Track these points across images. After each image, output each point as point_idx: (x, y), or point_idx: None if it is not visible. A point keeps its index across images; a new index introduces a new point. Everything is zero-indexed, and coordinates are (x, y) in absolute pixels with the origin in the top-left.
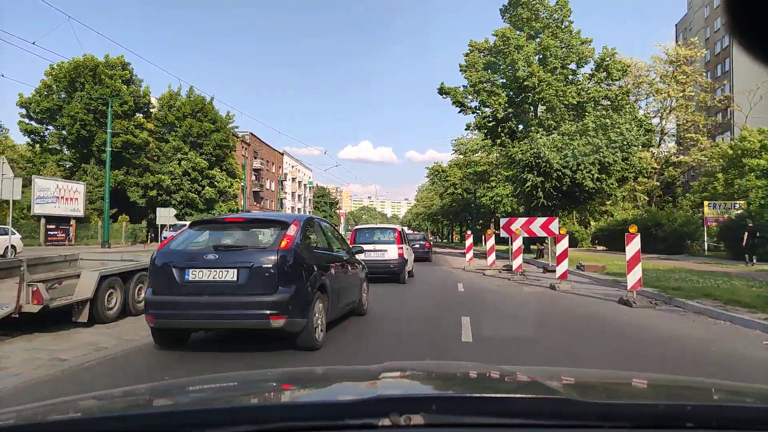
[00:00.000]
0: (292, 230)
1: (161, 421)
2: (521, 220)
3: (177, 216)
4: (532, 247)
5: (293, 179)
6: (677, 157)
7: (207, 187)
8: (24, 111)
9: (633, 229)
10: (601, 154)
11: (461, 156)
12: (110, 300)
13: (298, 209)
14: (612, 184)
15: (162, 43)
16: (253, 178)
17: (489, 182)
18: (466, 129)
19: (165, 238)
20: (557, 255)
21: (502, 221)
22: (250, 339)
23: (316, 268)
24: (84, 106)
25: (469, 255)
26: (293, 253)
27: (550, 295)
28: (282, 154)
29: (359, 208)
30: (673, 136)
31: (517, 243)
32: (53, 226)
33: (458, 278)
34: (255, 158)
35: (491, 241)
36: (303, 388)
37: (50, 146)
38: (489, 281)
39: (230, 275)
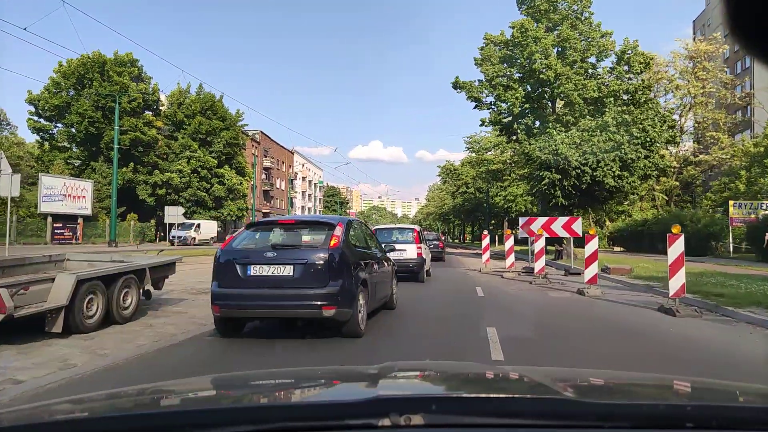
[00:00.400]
0: (338, 231)
1: (161, 421)
2: (542, 220)
3: (185, 214)
4: (548, 247)
5: (303, 178)
6: (696, 156)
7: (216, 185)
8: (33, 108)
9: (676, 229)
10: (623, 150)
11: (474, 154)
12: (90, 307)
13: (308, 209)
14: (634, 182)
15: (175, 44)
16: (264, 176)
17: (502, 181)
18: (481, 125)
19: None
20: (586, 257)
21: (521, 221)
22: (288, 330)
23: (358, 265)
24: (92, 104)
25: (486, 256)
26: (340, 251)
27: (580, 301)
28: (292, 153)
29: (369, 207)
30: (691, 134)
31: (540, 244)
32: (60, 225)
33: (476, 281)
34: (265, 157)
35: (510, 242)
36: (303, 388)
37: (59, 144)
38: (509, 285)
39: (287, 270)
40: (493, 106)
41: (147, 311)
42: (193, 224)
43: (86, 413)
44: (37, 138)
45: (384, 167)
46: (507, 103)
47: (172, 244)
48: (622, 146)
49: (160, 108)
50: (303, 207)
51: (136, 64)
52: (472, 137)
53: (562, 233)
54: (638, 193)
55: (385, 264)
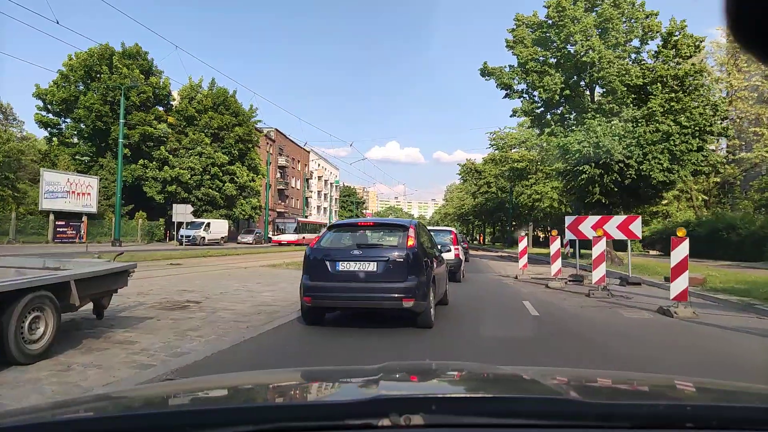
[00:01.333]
0: (411, 232)
1: (161, 422)
2: (592, 220)
3: (195, 213)
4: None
5: (319, 178)
6: (734, 154)
7: (228, 183)
8: (41, 103)
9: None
10: (672, 141)
11: (498, 151)
12: None
13: (324, 208)
14: (685, 176)
15: (193, 44)
16: (278, 175)
17: (527, 179)
18: (512, 115)
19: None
20: (673, 265)
21: (567, 219)
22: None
23: (427, 263)
24: (100, 97)
25: (524, 260)
26: (415, 250)
27: (674, 327)
28: (308, 152)
29: (386, 208)
30: (731, 129)
31: (599, 247)
32: (63, 223)
33: (517, 291)
34: (280, 155)
35: (556, 245)
36: (302, 388)
37: (67, 139)
38: (562, 298)
39: (371, 267)
40: (525, 95)
41: (81, 339)
42: (203, 223)
43: (86, 413)
44: (46, 133)
45: (401, 168)
46: (544, 90)
47: (181, 243)
48: (672, 137)
49: (171, 103)
50: (319, 207)
51: (145, 57)
52: (496, 133)
53: (617, 235)
54: (690, 186)
55: (442, 263)
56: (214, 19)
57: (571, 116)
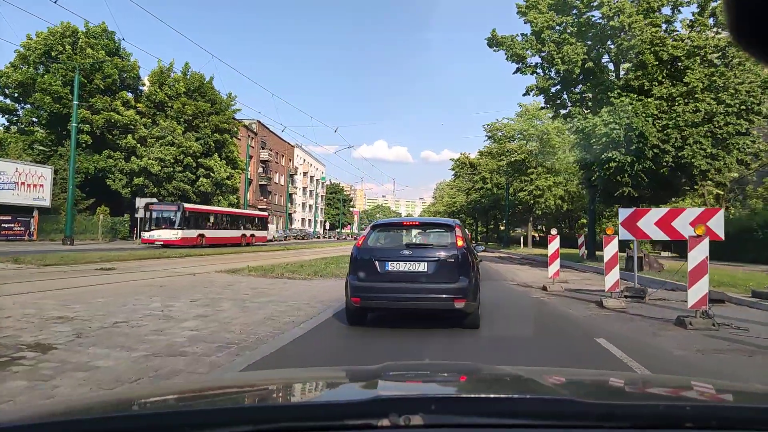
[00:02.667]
0: (459, 232)
1: (161, 422)
2: (657, 213)
3: None
4: (581, 250)
5: (305, 174)
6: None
7: (202, 178)
8: None
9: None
10: (716, 123)
11: (495, 144)
12: None
13: (310, 206)
14: (731, 163)
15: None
16: (260, 170)
17: (527, 174)
18: (525, 94)
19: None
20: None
21: (621, 214)
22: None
23: (474, 263)
24: (59, 79)
25: (555, 267)
26: (465, 250)
27: None
28: (293, 147)
29: (374, 206)
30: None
31: (701, 251)
32: (9, 218)
33: (567, 315)
34: (263, 149)
35: (613, 247)
36: (302, 389)
37: (27, 127)
38: (650, 332)
39: (422, 267)
40: (539, 69)
41: None
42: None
43: (86, 414)
44: (4, 121)
45: (389, 167)
46: (562, 62)
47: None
48: (716, 117)
49: (142, 88)
50: (304, 204)
51: (112, 37)
52: (492, 124)
53: (689, 233)
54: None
55: (480, 261)
56: (207, 18)
57: (593, 95)
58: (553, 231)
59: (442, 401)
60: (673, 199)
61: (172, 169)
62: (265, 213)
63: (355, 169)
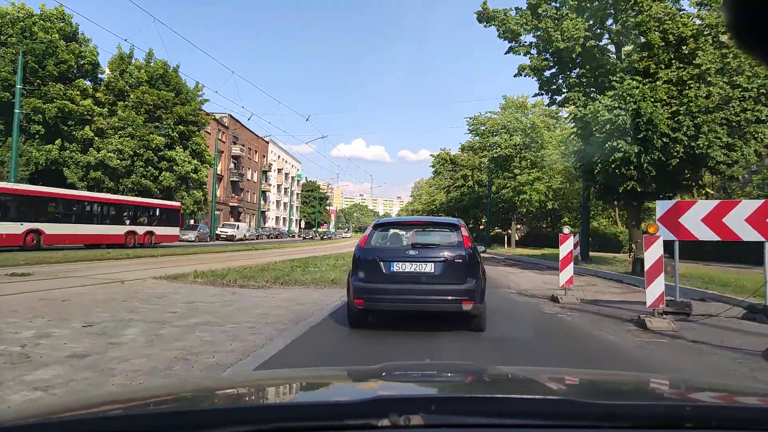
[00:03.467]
0: (464, 231)
1: (161, 422)
2: (704, 206)
3: None
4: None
5: (279, 170)
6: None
7: (165, 172)
8: None
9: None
10: (732, 108)
11: (477, 138)
12: None
13: (284, 203)
14: (749, 155)
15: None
16: (232, 165)
17: (511, 170)
18: (516, 74)
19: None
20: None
21: (660, 207)
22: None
23: (481, 263)
24: (8, 65)
25: (568, 273)
26: (471, 250)
27: None
28: (267, 142)
29: (351, 205)
30: None
31: (656, 251)
32: None
33: (607, 343)
34: (234, 144)
35: (656, 251)
36: (302, 389)
37: None
38: (746, 371)
39: (428, 268)
40: (533, 50)
41: None
42: None
43: (86, 414)
44: None
45: (366, 166)
46: (562, 38)
47: None
48: (732, 102)
49: (101, 76)
50: (278, 201)
51: (69, 21)
52: (475, 118)
53: (750, 234)
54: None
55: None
56: (183, 13)
57: (593, 79)
58: (566, 229)
59: (442, 401)
60: (678, 196)
61: (130, 162)
62: (177, 204)
63: (333, 165)
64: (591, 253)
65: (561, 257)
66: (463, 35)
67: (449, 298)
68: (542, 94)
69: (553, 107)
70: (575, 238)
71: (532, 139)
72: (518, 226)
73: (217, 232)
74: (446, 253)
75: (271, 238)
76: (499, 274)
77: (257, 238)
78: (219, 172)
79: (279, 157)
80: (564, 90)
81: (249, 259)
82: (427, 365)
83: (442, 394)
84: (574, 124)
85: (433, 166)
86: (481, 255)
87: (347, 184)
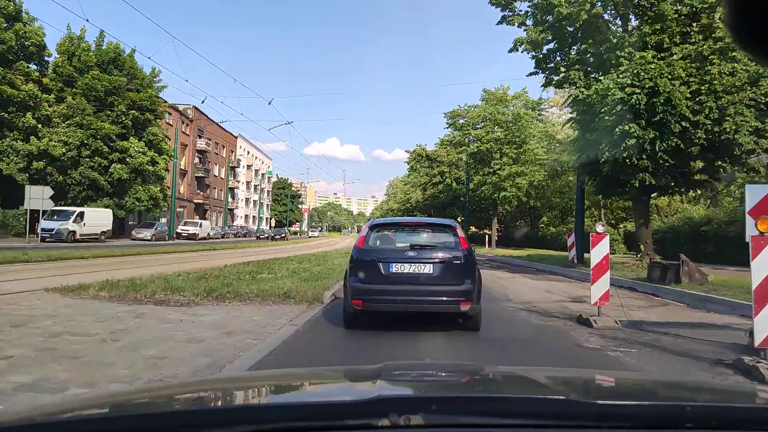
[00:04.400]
0: (461, 232)
1: (161, 422)
2: None
3: (74, 200)
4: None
5: (249, 166)
6: None
7: (116, 164)
8: None
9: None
10: (761, 88)
11: (457, 132)
12: None
13: (254, 201)
14: None
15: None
16: (197, 160)
17: (491, 166)
18: (511, 50)
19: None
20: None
21: (753, 194)
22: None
23: (476, 265)
24: None
25: (603, 287)
26: (468, 252)
27: None
28: (236, 137)
29: (324, 204)
30: None
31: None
32: None
33: None
34: (200, 137)
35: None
36: (302, 388)
37: None
38: None
39: (427, 269)
40: (529, 19)
41: None
42: (74, 213)
43: (86, 414)
44: None
45: (340, 165)
46: (567, 3)
47: (43, 240)
48: (761, 81)
49: (48, 59)
50: (248, 199)
51: None
52: (454, 111)
53: None
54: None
55: None
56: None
57: (596, 55)
58: (600, 227)
59: (442, 401)
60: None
61: (77, 153)
62: None
63: (307, 162)
64: (587, 255)
65: (593, 264)
66: (443, 31)
67: (448, 299)
68: (537, 73)
69: (544, 94)
70: (571, 238)
71: (514, 132)
72: (497, 226)
73: (177, 230)
74: (444, 255)
75: (239, 237)
76: (489, 279)
77: (222, 237)
78: (183, 166)
79: (249, 153)
80: (563, 69)
81: (199, 261)
82: (427, 365)
83: (442, 394)
84: (572, 109)
85: (408, 163)
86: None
87: (318, 181)
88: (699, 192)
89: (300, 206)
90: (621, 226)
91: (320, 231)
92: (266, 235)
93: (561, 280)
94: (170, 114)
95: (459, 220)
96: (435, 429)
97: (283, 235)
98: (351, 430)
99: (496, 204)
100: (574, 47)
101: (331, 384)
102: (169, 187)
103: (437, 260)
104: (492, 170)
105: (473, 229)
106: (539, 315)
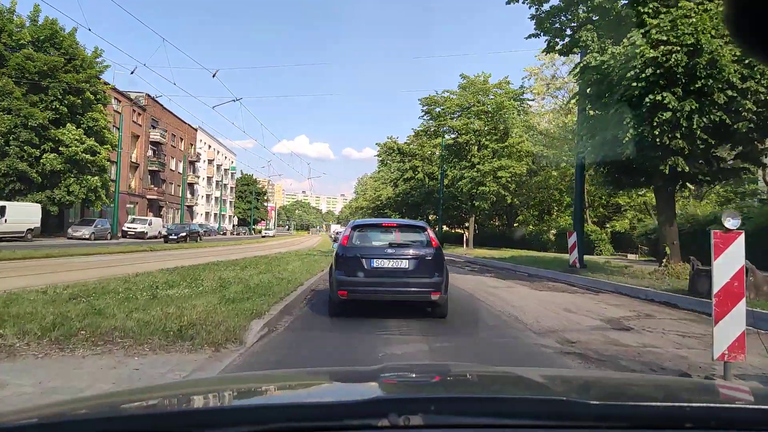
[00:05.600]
0: (431, 233)
1: (161, 422)
2: None
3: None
4: (571, 255)
5: (210, 161)
6: None
7: (49, 154)
8: None
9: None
10: None
11: (432, 122)
12: None
13: (216, 198)
14: None
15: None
16: (150, 153)
17: (468, 159)
18: (508, 2)
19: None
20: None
21: None
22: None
23: (445, 260)
24: None
25: (736, 326)
26: (439, 249)
27: None
28: (195, 129)
29: (293, 202)
30: None
31: None
32: None
33: None
34: (153, 128)
35: None
36: (302, 389)
37: None
38: None
39: (404, 264)
40: None
41: None
42: None
43: (86, 414)
44: None
45: (310, 162)
46: None
47: None
48: None
49: None
50: (209, 196)
51: None
52: (430, 98)
53: None
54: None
55: None
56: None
57: (613, 13)
58: (731, 220)
59: (442, 401)
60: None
61: (4, 142)
62: None
63: (274, 159)
64: (588, 257)
65: (718, 285)
66: (414, 24)
67: (421, 289)
68: (539, 35)
69: (526, 82)
70: (572, 238)
71: (496, 123)
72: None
73: (123, 228)
74: (418, 251)
75: (195, 235)
76: (480, 289)
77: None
78: (134, 159)
79: (210, 147)
80: (569, 30)
81: (118, 267)
82: (427, 366)
83: (442, 394)
84: (580, 80)
85: (379, 156)
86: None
87: (281, 174)
88: (728, 182)
89: (266, 204)
90: (608, 225)
91: (288, 229)
92: (175, 237)
93: (566, 289)
94: (119, 101)
95: (431, 219)
96: (434, 429)
97: (184, 234)
98: (351, 430)
99: (474, 201)
100: (581, 6)
101: (330, 384)
102: (113, 180)
103: (412, 256)
104: (470, 164)
105: (445, 227)
106: (596, 363)
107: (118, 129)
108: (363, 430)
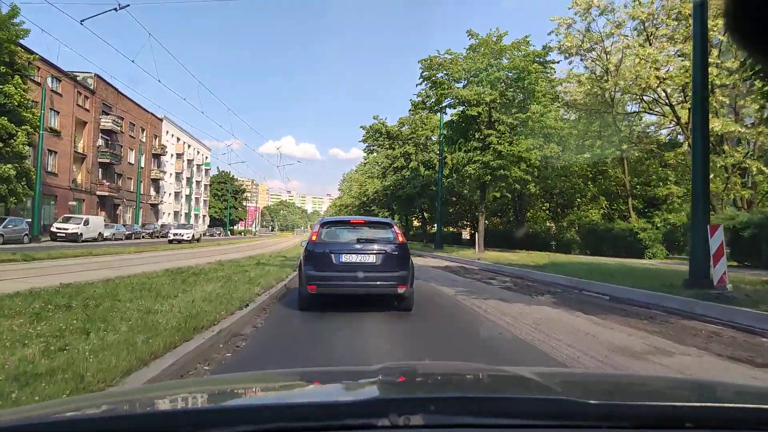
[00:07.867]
0: (397, 229)
1: (161, 422)
2: None
3: None
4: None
5: (179, 155)
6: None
7: None
8: None
9: None
10: None
11: (433, 90)
12: None
13: (186, 195)
14: None
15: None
16: (101, 143)
17: (478, 140)
18: None
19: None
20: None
21: None
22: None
23: (410, 255)
24: None
25: None
26: (405, 244)
27: None
28: (161, 119)
29: (278, 202)
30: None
31: None
32: None
33: None
34: (105, 114)
35: None
36: (302, 388)
37: None
38: None
39: (371, 258)
40: None
41: None
42: None
43: (86, 414)
44: None
45: (296, 164)
46: None
47: None
48: None
49: None
50: (178, 193)
51: None
52: (432, 59)
53: None
54: None
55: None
56: None
57: None
58: None
59: (442, 401)
60: None
61: None
62: None
63: (261, 160)
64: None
65: None
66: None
67: (388, 283)
68: None
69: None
70: (714, 237)
71: (515, 93)
72: (469, 222)
73: (52, 229)
74: (384, 247)
75: (155, 237)
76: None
77: (128, 238)
78: (80, 150)
79: (179, 140)
80: None
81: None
82: (427, 365)
83: (442, 394)
84: None
85: (365, 141)
86: (443, 268)
87: (264, 176)
88: None
89: (244, 203)
90: (656, 218)
91: (272, 230)
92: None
93: (749, 347)
94: (59, 80)
95: (426, 216)
96: (435, 429)
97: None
98: (351, 430)
99: (486, 191)
100: None
101: (330, 384)
102: (33, 170)
103: (379, 251)
104: (481, 144)
105: (448, 229)
106: None
107: (36, 103)
108: (363, 429)
